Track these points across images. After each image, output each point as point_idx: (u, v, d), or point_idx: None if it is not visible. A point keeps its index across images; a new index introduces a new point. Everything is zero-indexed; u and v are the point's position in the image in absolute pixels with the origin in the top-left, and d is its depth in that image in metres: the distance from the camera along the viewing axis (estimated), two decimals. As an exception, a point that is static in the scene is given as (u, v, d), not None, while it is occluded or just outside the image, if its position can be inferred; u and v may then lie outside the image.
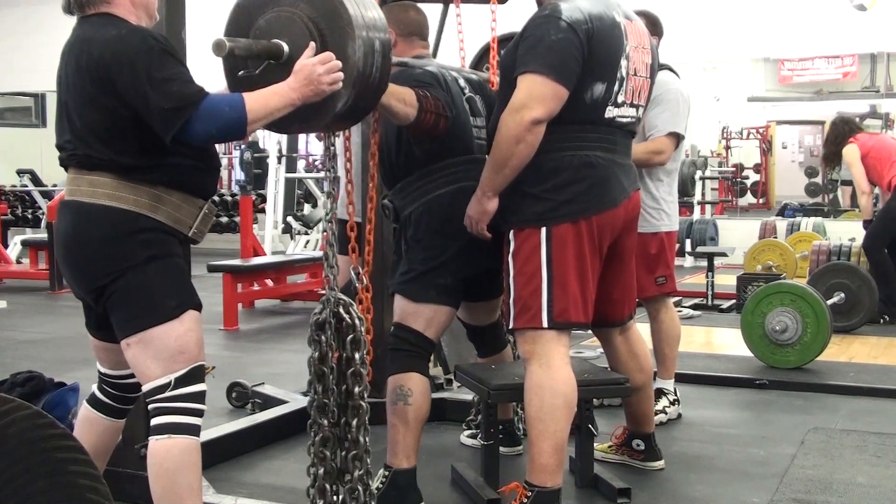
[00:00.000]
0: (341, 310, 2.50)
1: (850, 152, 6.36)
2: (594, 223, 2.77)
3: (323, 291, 2.56)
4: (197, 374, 2.37)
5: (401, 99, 2.77)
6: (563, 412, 2.72)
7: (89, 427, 2.57)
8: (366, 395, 2.52)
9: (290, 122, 2.41)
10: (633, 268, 3.12)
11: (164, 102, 2.22)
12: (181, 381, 2.33)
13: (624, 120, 2.84)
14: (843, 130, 6.45)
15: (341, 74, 2.35)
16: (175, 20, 2.96)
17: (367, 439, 2.52)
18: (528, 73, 2.66)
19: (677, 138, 3.91)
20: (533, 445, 2.75)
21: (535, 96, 2.64)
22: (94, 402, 2.59)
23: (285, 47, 2.37)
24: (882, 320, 6.31)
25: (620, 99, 2.80)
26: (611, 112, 2.78)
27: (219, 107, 2.27)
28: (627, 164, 2.91)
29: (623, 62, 2.77)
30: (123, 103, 2.27)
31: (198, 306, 2.41)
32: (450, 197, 2.95)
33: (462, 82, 3.09)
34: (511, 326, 2.82)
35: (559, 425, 2.71)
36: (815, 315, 4.89)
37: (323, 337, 2.50)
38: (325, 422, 2.51)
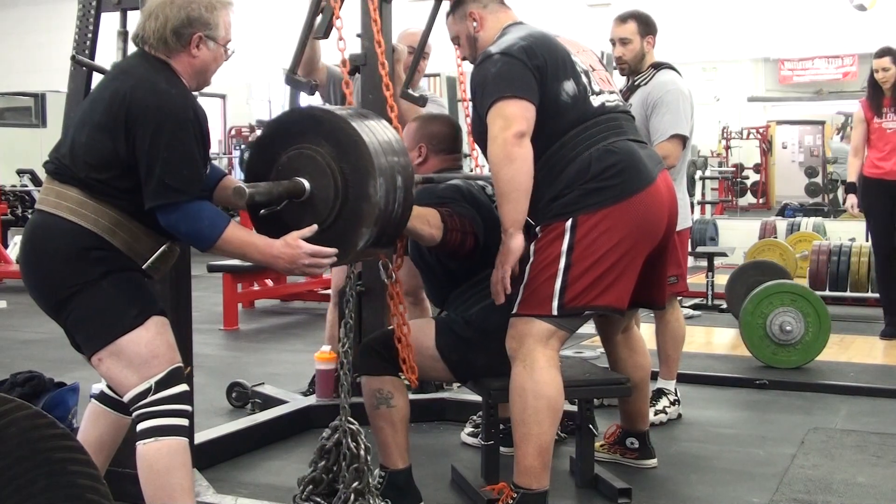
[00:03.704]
0: (348, 439, 2.52)
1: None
2: (635, 205, 2.71)
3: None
4: (176, 376, 2.37)
5: (425, 221, 2.76)
6: (546, 415, 2.70)
7: (95, 420, 2.58)
8: None
9: None
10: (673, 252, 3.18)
11: (167, 177, 2.25)
12: (161, 385, 2.33)
13: (613, 104, 2.86)
14: None
15: (323, 270, 2.45)
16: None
17: None
18: (491, 105, 2.71)
19: (682, 139, 3.89)
20: (518, 448, 2.75)
21: (509, 115, 2.67)
22: (102, 397, 2.60)
23: (307, 185, 2.37)
24: None
25: (597, 88, 2.83)
26: (596, 100, 2.81)
27: (201, 215, 2.31)
28: (643, 142, 2.92)
29: (575, 60, 2.83)
30: (129, 147, 2.29)
31: (162, 312, 2.42)
32: (488, 309, 2.88)
33: (490, 190, 3.03)
34: (514, 312, 2.76)
35: (542, 428, 2.70)
36: (817, 314, 4.89)
37: (323, 463, 2.54)
38: None
